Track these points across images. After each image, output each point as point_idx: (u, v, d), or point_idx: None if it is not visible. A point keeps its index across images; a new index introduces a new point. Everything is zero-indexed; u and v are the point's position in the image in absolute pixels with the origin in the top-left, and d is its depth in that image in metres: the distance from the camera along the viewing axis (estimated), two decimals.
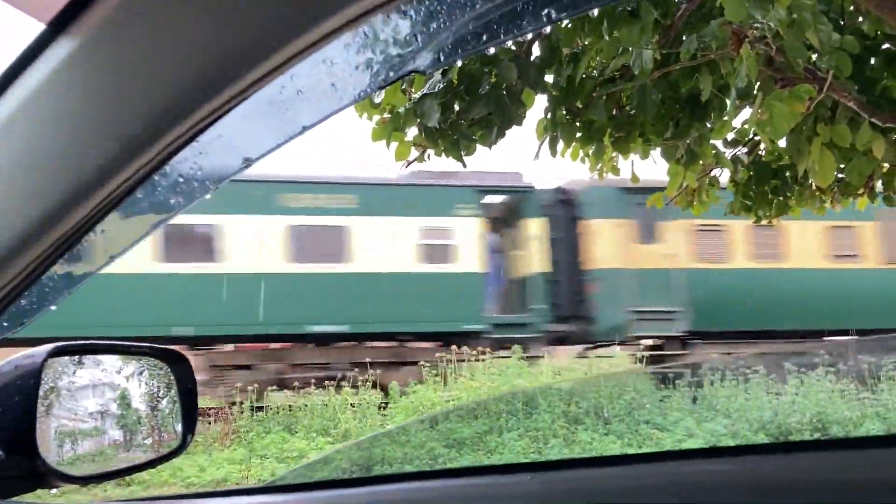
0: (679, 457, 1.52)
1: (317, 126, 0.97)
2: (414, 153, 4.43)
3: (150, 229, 1.01)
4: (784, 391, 11.81)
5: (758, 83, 2.96)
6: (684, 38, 3.43)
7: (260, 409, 14.63)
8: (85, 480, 1.46)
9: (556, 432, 11.63)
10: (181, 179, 0.97)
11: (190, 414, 1.54)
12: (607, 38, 3.05)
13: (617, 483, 1.14)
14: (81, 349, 1.43)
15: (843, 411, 11.02)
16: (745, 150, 5.23)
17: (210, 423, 13.48)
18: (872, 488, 1.04)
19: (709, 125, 4.28)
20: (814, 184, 5.29)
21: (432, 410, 12.80)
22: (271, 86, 0.86)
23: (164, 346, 1.56)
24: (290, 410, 13.26)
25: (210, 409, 14.77)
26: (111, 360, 1.54)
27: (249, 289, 15.32)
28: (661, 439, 11.04)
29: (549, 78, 4.20)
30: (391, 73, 0.93)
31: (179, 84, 0.83)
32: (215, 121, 0.87)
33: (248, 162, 0.99)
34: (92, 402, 1.48)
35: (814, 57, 3.10)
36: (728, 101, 4.42)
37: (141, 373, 1.59)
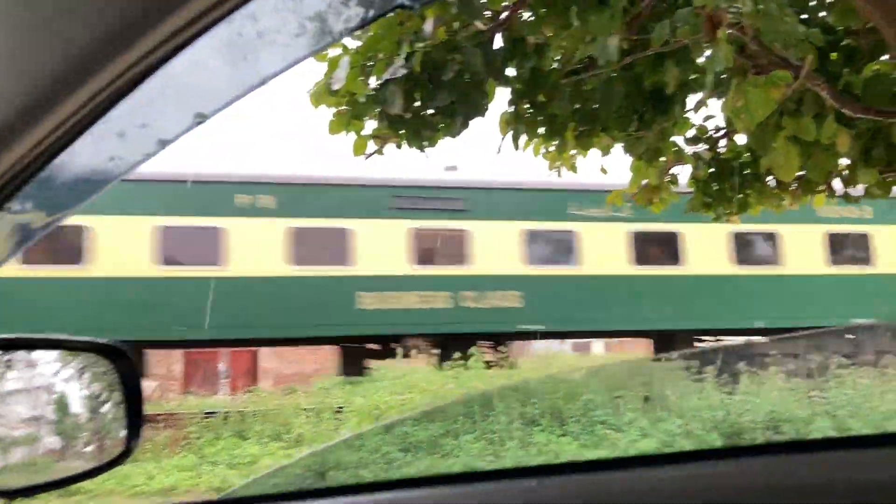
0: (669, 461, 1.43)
1: (282, 74, 0.82)
2: (372, 146, 4.31)
3: (91, 190, 0.86)
4: (736, 390, 11.91)
5: (727, 73, 2.90)
6: (651, 28, 3.35)
7: (211, 414, 14.35)
8: (14, 494, 1.29)
9: (513, 434, 11.55)
10: (122, 135, 0.82)
11: (135, 417, 1.38)
12: (577, 23, 2.95)
13: (625, 486, 1.05)
14: (9, 344, 1.26)
15: (795, 410, 11.18)
16: (706, 147, 5.21)
17: (159, 429, 13.13)
18: (825, 490, 1.05)
19: (672, 121, 4.22)
20: (774, 181, 5.31)
21: (387, 414, 12.64)
22: (227, 26, 0.72)
23: (105, 342, 1.39)
24: (241, 416, 12.98)
25: (159, 414, 14.43)
26: (46, 358, 1.37)
27: None
28: (616, 440, 11.07)
29: (511, 71, 4.10)
30: (372, 10, 0.80)
31: (107, 14, 0.67)
32: (158, 66, 0.73)
33: (201, 118, 0.84)
34: (24, 405, 1.31)
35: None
36: (691, 96, 4.43)
37: (80, 372, 1.42)
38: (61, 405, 1.36)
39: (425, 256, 16.17)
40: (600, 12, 2.97)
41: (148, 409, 17.83)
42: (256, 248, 15.25)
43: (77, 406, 1.37)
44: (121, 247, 14.67)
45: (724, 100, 2.76)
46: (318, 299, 15.38)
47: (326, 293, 15.49)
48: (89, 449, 1.38)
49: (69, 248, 14.42)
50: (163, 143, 0.84)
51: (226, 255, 15.13)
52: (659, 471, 1.18)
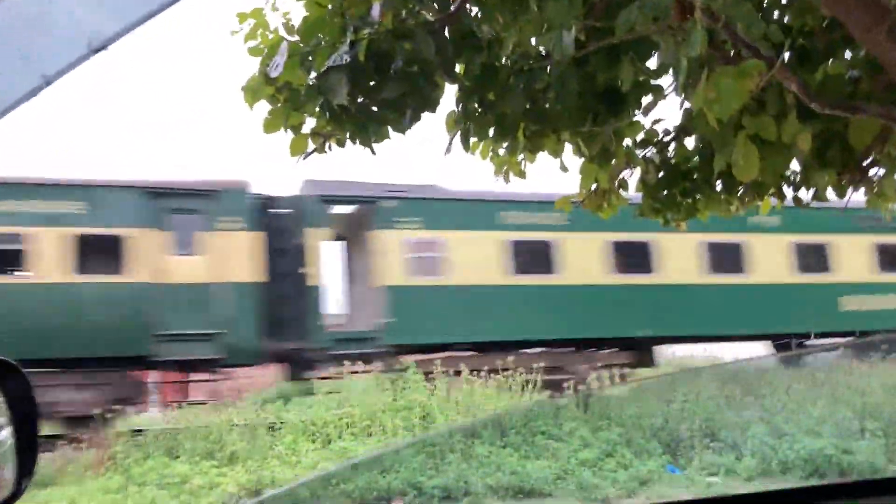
0: None
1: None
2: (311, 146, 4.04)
3: None
4: (674, 398, 11.99)
5: (695, 64, 2.76)
6: (610, 19, 3.19)
7: (139, 432, 13.74)
8: None
9: (454, 447, 11.36)
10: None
11: (28, 449, 1.10)
12: (535, 9, 2.77)
13: None
14: None
15: (731, 417, 11.31)
16: (655, 151, 5.10)
17: (83, 448, 12.50)
18: None
19: (626, 121, 4.09)
20: (721, 186, 5.24)
21: (324, 430, 12.30)
22: None
23: None
24: (170, 433, 12.45)
25: (83, 433, 13.74)
26: None
27: None
28: (557, 449, 10.98)
29: (459, 68, 3.91)
30: None
31: None
32: None
33: (94, 50, 0.64)
34: None
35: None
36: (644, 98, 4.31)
37: None
38: None
39: None
40: (558, 1, 2.79)
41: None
42: None
43: None
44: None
45: (693, 91, 2.61)
46: None
47: None
48: None
49: None
50: (54, 74, 0.64)
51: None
52: None
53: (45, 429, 13.85)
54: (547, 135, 4.15)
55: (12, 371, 1.09)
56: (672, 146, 5.13)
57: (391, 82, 3.13)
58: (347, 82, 3.00)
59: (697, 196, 5.22)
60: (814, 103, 2.99)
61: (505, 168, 5.22)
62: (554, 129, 4.08)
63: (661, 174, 5.16)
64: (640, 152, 5.01)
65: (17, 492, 1.10)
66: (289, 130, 3.97)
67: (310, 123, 4.13)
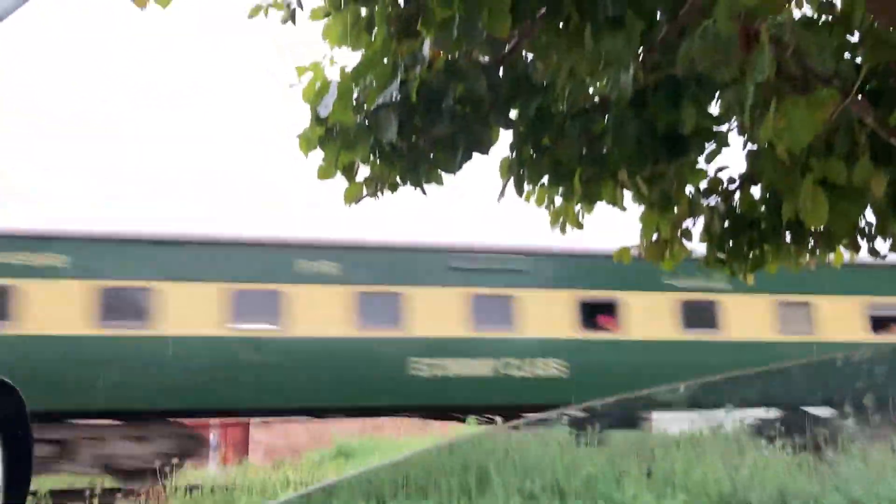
0: None
1: None
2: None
3: None
4: (742, 463, 11.45)
5: (761, 96, 2.62)
6: (669, 59, 3.09)
7: (195, 488, 13.66)
8: None
9: None
10: None
11: (18, 473, 1.01)
12: (590, 44, 2.68)
13: None
14: None
15: (804, 485, 10.71)
16: (720, 199, 4.93)
17: (139, 502, 12.55)
18: None
19: (689, 166, 3.94)
20: (791, 237, 5.01)
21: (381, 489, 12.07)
22: None
23: None
24: (226, 490, 12.40)
25: (141, 487, 13.77)
26: None
27: None
28: None
29: (513, 113, 3.85)
30: None
31: None
32: None
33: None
34: None
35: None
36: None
37: None
38: None
39: None
40: (615, 35, 2.70)
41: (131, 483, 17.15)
42: None
43: None
44: None
45: (759, 125, 2.47)
46: None
47: None
48: None
49: None
50: None
51: None
52: None
53: (107, 481, 13.96)
54: (605, 181, 4.03)
55: (4, 390, 1.00)
56: (737, 194, 4.95)
57: (442, 121, 3.07)
58: (397, 120, 2.94)
59: (765, 247, 5.00)
60: (893, 138, 2.80)
61: (561, 219, 5.11)
62: (612, 175, 3.96)
63: (726, 224, 4.97)
64: (703, 201, 4.83)
65: None
66: (342, 176, 3.95)
67: (363, 172, 4.12)
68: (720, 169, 4.83)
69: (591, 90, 3.81)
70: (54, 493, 12.51)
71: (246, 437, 25.33)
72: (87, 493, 12.64)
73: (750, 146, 4.00)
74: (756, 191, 4.97)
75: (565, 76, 3.23)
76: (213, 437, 24.90)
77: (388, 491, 12.00)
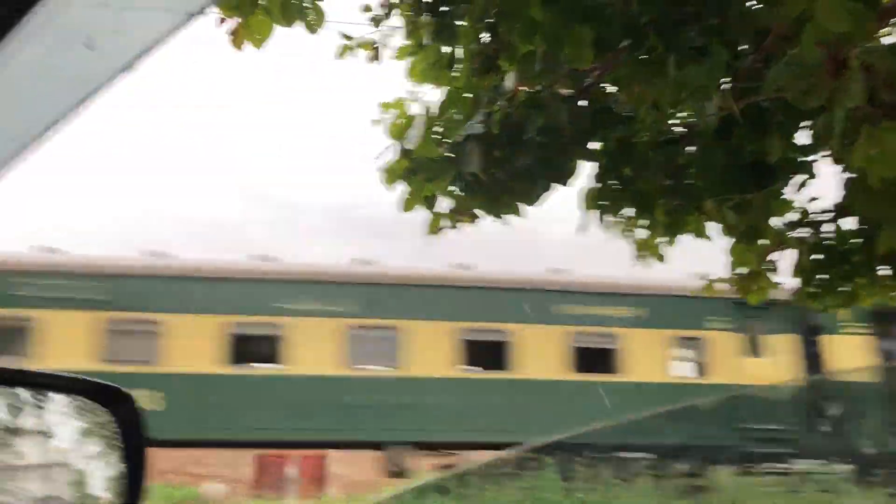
0: None
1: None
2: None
3: None
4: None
5: (850, 123, 2.55)
6: (754, 86, 3.04)
7: None
8: None
9: None
10: None
11: (136, 482, 1.06)
12: (673, 74, 2.67)
13: None
14: None
15: None
16: (810, 231, 4.78)
17: None
18: None
19: (776, 196, 3.85)
20: (887, 270, 4.80)
21: None
22: None
23: (103, 383, 1.08)
24: None
25: None
26: (15, 399, 1.07)
27: None
28: None
29: (595, 145, 3.85)
30: None
31: None
32: None
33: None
34: None
35: None
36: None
37: (58, 418, 1.11)
38: (32, 462, 1.05)
39: None
40: (699, 65, 2.68)
41: None
42: None
43: (51, 464, 1.06)
44: None
45: (850, 153, 2.40)
46: None
47: None
48: None
49: None
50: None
51: None
52: None
53: None
54: (689, 212, 3.97)
55: (125, 399, 1.07)
56: (829, 226, 4.79)
57: (523, 153, 3.10)
58: (480, 152, 2.99)
59: (858, 281, 4.81)
60: None
61: (644, 252, 5.04)
62: (697, 206, 3.90)
63: (817, 256, 4.81)
64: (792, 233, 4.70)
65: None
66: (424, 209, 4.02)
67: (446, 204, 4.18)
68: (810, 200, 4.69)
69: (673, 120, 3.78)
70: None
71: (323, 469, 25.52)
72: None
73: (841, 176, 3.89)
74: (848, 222, 4.81)
75: (648, 107, 3.22)
76: (291, 469, 25.20)
77: None
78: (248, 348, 15.31)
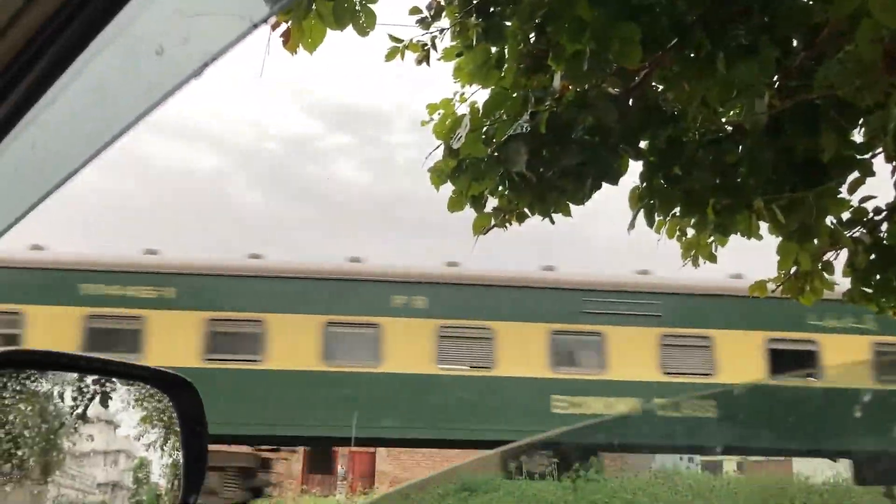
0: None
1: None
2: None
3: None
4: None
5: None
6: (804, 84, 3.01)
7: None
8: None
9: None
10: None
11: (196, 466, 1.11)
12: (722, 71, 2.66)
13: None
14: (35, 360, 1.02)
15: None
16: (864, 231, 4.68)
17: None
18: None
19: (829, 195, 3.79)
20: None
21: None
22: None
23: (164, 370, 1.13)
24: None
25: None
26: (72, 383, 1.12)
27: None
28: None
29: (643, 144, 3.83)
30: None
31: None
32: None
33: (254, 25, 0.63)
34: (35, 441, 1.07)
35: None
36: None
37: (121, 406, 1.17)
38: (97, 446, 1.11)
39: None
40: (748, 62, 2.66)
41: None
42: None
43: (118, 450, 1.12)
44: None
45: None
46: None
47: None
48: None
49: None
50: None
51: None
52: None
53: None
54: (739, 210, 3.92)
55: (185, 387, 1.12)
56: (885, 225, 4.69)
57: (571, 151, 3.10)
58: (527, 151, 3.01)
59: None
60: None
61: (693, 252, 5.00)
62: (747, 204, 3.85)
63: (872, 256, 4.71)
64: (847, 232, 4.61)
65: None
66: (471, 208, 4.05)
67: (491, 203, 4.20)
68: (865, 199, 4.60)
69: (723, 119, 3.75)
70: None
71: (372, 467, 25.76)
72: None
73: None
74: None
75: (697, 105, 3.20)
76: (340, 466, 25.51)
77: None
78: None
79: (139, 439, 1.23)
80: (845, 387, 13.57)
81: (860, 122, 3.58)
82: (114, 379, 1.11)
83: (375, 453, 25.34)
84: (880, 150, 3.94)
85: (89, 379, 1.08)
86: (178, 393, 1.11)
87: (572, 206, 3.56)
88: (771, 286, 5.17)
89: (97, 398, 1.17)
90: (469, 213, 4.18)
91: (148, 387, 1.11)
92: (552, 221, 3.53)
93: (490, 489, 15.73)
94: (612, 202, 4.34)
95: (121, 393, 1.20)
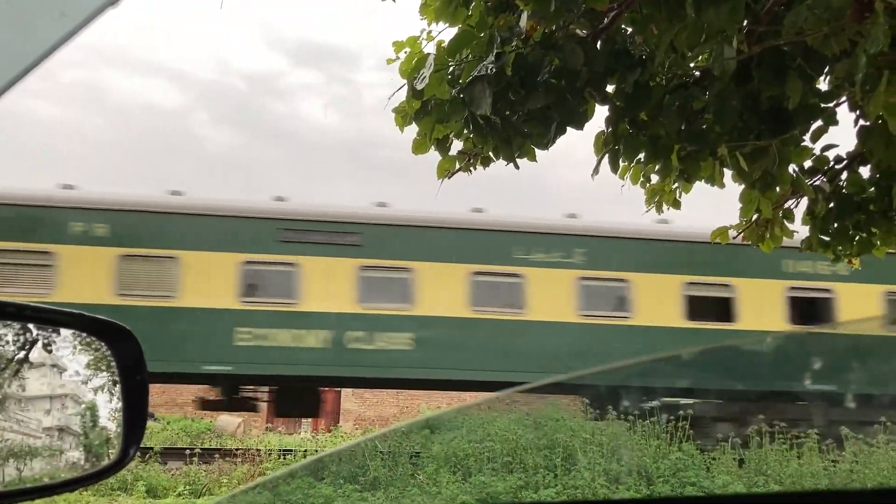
0: None
1: None
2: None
3: None
4: (843, 458, 11.05)
5: (871, 70, 2.50)
6: (774, 30, 2.97)
7: (288, 452, 14.29)
8: None
9: (596, 492, 10.98)
10: None
11: (136, 416, 1.08)
12: (692, 16, 2.61)
13: None
14: None
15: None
16: (825, 179, 4.73)
17: (237, 464, 13.13)
18: None
19: (793, 143, 3.80)
20: None
21: (465, 462, 12.25)
22: None
23: (101, 318, 1.09)
24: (318, 455, 12.84)
25: (237, 449, 14.46)
26: (15, 333, 1.08)
27: None
28: None
29: (610, 88, 3.79)
30: None
31: None
32: None
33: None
34: None
35: None
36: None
37: (67, 352, 1.13)
38: (31, 395, 1.07)
39: None
40: (718, 6, 2.62)
41: (229, 444, 17.96)
42: None
43: (54, 397, 1.08)
44: None
45: (870, 100, 2.36)
46: None
47: None
48: (73, 454, 1.08)
49: None
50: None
51: None
52: None
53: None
54: (703, 158, 3.92)
55: (124, 335, 1.08)
56: (845, 174, 4.74)
57: (536, 94, 3.05)
58: (491, 93, 2.95)
59: (873, 230, 4.78)
60: None
61: (658, 198, 5.01)
62: (712, 151, 3.85)
63: (831, 205, 4.78)
64: (808, 181, 4.65)
65: (124, 458, 1.08)
66: (436, 151, 3.99)
67: (456, 146, 4.15)
68: (827, 147, 4.63)
69: (691, 64, 3.71)
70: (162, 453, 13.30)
71: (337, 406, 26.02)
72: (188, 452, 13.36)
73: (861, 123, 3.82)
74: (866, 171, 4.76)
75: (665, 49, 3.16)
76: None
77: (473, 465, 12.16)
78: None
79: (87, 383, 1.20)
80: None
81: (826, 70, 3.58)
82: (60, 328, 1.08)
83: (340, 392, 25.59)
84: (844, 98, 3.95)
85: (35, 327, 1.04)
86: (116, 341, 1.07)
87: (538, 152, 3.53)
88: (732, 233, 5.23)
89: (39, 342, 1.13)
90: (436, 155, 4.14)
91: (84, 335, 1.07)
92: (516, 166, 3.50)
93: (453, 427, 16.01)
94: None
95: (66, 336, 1.16)
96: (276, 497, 11.23)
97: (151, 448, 13.51)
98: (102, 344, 1.06)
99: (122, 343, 1.07)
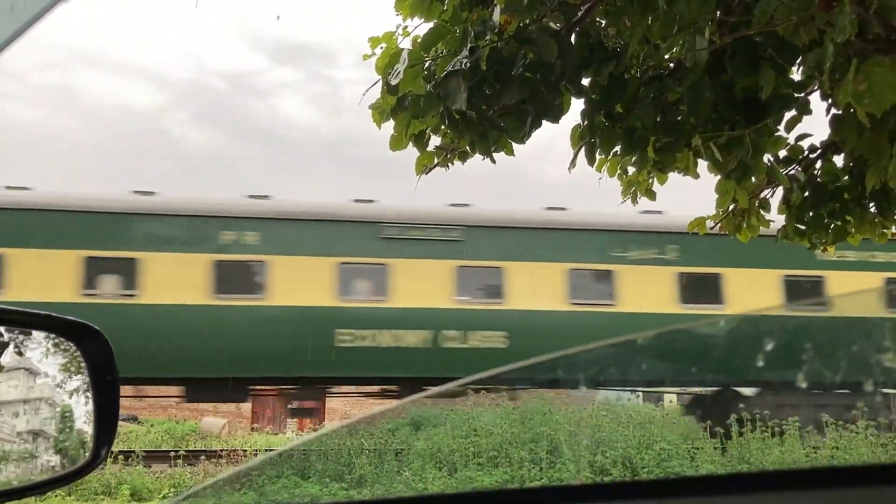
0: None
1: None
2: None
3: None
4: (823, 444, 11.18)
5: (841, 57, 2.52)
6: (745, 22, 3.00)
7: (272, 451, 14.25)
8: None
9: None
10: None
11: (107, 416, 1.07)
12: (663, 7, 2.63)
13: None
14: None
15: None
16: (800, 168, 4.77)
17: (222, 465, 13.07)
18: None
19: (767, 133, 3.83)
20: (876, 208, 4.82)
21: (450, 458, 12.26)
22: None
23: (70, 319, 1.08)
24: (304, 455, 12.80)
25: (223, 450, 14.41)
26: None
27: None
28: None
29: (585, 81, 3.80)
30: None
31: None
32: None
33: None
34: None
35: None
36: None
37: (38, 354, 1.12)
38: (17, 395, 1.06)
39: None
40: None
41: (214, 446, 17.88)
42: None
43: (25, 399, 1.07)
44: None
45: (840, 87, 2.38)
46: None
47: None
48: (45, 457, 1.07)
49: None
50: None
51: None
52: None
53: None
54: (679, 149, 3.95)
55: (92, 335, 1.07)
56: (819, 163, 4.79)
57: (511, 88, 3.06)
58: (466, 88, 2.95)
59: (848, 217, 4.83)
60: None
61: (633, 189, 5.04)
62: (686, 143, 3.87)
63: (806, 194, 4.82)
64: (783, 170, 4.69)
65: (96, 459, 1.07)
66: (413, 147, 3.99)
67: (434, 141, 4.14)
68: (801, 137, 4.68)
69: (665, 55, 3.73)
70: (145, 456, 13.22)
71: (322, 404, 25.93)
72: (172, 454, 13.29)
73: (833, 112, 3.86)
74: (839, 160, 4.80)
75: (638, 41, 3.18)
76: (290, 403, 25.60)
77: (459, 461, 12.18)
78: None
79: (61, 386, 1.19)
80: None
81: (798, 60, 3.61)
82: (15, 330, 1.06)
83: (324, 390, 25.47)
84: (817, 88, 3.99)
85: (6, 330, 1.03)
86: (85, 341, 1.06)
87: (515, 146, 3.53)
88: (710, 223, 5.27)
89: (10, 346, 1.12)
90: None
91: (52, 336, 1.06)
92: (493, 161, 3.50)
93: (437, 423, 16.02)
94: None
95: (38, 339, 1.15)
96: (263, 497, 11.21)
97: (134, 451, 13.45)
98: (70, 344, 1.05)
99: (92, 343, 1.06)
